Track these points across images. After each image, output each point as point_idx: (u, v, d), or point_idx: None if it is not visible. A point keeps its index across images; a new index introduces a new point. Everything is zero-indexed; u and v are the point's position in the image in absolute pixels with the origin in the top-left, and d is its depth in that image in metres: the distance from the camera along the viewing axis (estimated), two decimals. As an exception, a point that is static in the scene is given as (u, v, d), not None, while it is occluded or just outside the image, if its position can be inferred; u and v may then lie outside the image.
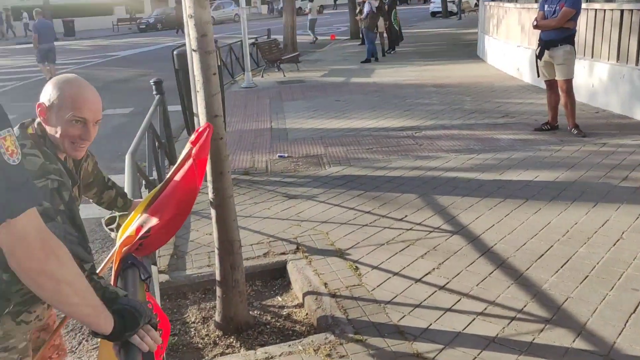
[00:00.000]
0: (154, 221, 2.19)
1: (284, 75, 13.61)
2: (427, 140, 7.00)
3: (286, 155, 6.76)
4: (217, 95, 3.14)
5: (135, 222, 2.22)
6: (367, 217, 4.73)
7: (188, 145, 2.30)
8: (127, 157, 3.66)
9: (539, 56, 6.74)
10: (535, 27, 6.74)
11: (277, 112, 9.50)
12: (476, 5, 34.29)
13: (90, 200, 2.38)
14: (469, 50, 16.53)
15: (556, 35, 6.52)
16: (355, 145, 6.94)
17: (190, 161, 2.25)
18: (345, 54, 18.01)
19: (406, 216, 4.70)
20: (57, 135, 1.78)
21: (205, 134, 2.28)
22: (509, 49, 11.70)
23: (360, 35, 19.71)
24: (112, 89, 13.22)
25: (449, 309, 3.27)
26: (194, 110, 5.62)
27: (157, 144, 5.50)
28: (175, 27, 31.75)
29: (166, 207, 2.21)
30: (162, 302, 3.70)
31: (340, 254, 4.09)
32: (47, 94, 1.81)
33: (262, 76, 13.88)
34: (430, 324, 3.14)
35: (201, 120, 3.17)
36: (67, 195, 1.70)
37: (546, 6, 6.65)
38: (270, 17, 43.77)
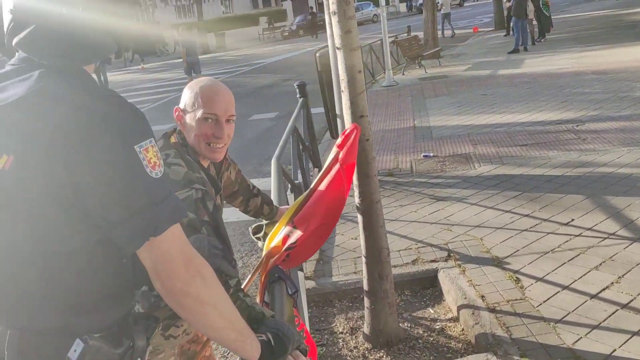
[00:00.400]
0: (300, 231, 2.06)
1: (426, 72, 13.19)
2: (591, 133, 6.26)
3: (431, 154, 6.43)
4: (362, 94, 2.95)
5: (282, 232, 2.10)
6: (525, 221, 4.28)
7: (334, 150, 2.13)
8: (273, 162, 3.62)
9: None
10: None
11: (419, 109, 9.16)
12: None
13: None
14: (635, 32, 14.80)
15: None
16: (506, 142, 6.41)
17: (337, 166, 2.09)
18: (490, 46, 17.06)
19: (573, 220, 4.17)
20: (194, 138, 1.74)
21: (352, 137, 2.10)
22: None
23: (506, 25, 18.58)
24: (258, 95, 13.76)
25: (636, 333, 2.77)
26: (337, 112, 5.53)
27: (301, 147, 5.49)
28: (314, 32, 33.39)
29: (313, 216, 2.07)
30: (309, 309, 3.60)
31: (498, 262, 3.71)
32: (182, 98, 1.80)
33: (403, 74, 13.57)
34: (615, 350, 2.67)
35: (346, 121, 3.00)
36: (211, 205, 1.61)
37: None
38: (408, 15, 43.16)
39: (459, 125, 7.65)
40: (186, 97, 1.78)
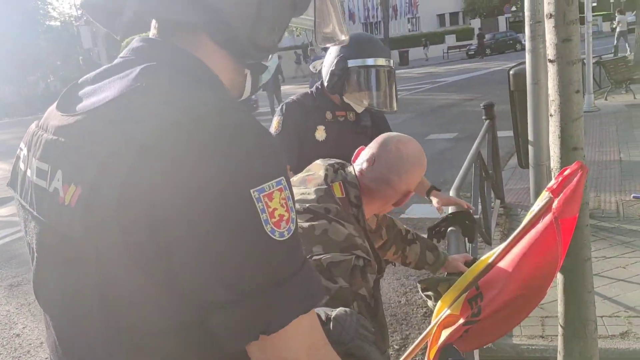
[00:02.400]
0: (488, 300, 1.52)
1: (635, 98, 11.46)
2: None
3: (644, 196, 5.33)
4: (579, 120, 2.29)
5: (461, 297, 1.58)
6: None
7: (546, 195, 1.55)
8: (452, 194, 3.08)
9: None
10: None
11: (627, 141, 7.85)
12: None
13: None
14: None
15: None
16: None
17: (548, 218, 1.50)
18: None
19: None
20: (373, 207, 1.42)
21: (575, 180, 1.50)
22: None
23: None
24: (438, 114, 13.16)
25: None
26: (530, 138, 4.79)
27: (483, 174, 4.84)
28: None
29: (508, 281, 1.51)
30: (481, 375, 2.98)
31: None
32: (383, 156, 1.51)
33: (606, 99, 11.96)
34: None
35: (553, 154, 2.36)
36: (372, 279, 1.16)
37: None
38: (611, 35, 39.04)
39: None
40: (393, 160, 1.47)
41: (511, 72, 5.28)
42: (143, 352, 0.80)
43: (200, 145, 0.72)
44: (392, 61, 2.54)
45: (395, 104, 2.52)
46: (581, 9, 10.26)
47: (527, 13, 4.55)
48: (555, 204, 1.49)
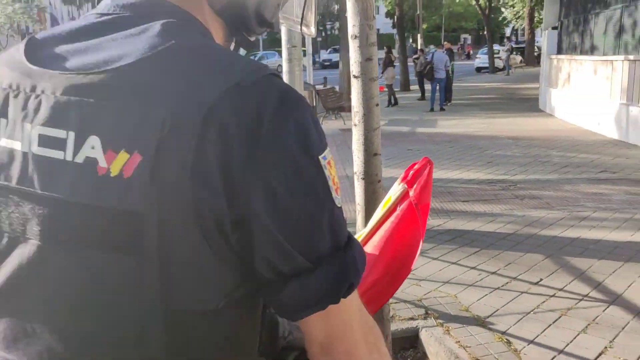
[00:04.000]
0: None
1: (344, 123, 13.26)
2: (527, 193, 6.41)
3: (374, 205, 6.24)
4: (378, 129, 2.65)
5: None
6: (495, 279, 4.12)
7: (400, 186, 1.78)
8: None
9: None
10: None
11: (348, 159, 9.04)
12: (522, 61, 34.08)
13: None
14: (529, 104, 16.00)
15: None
16: (447, 197, 6.39)
17: (406, 204, 1.73)
18: (400, 105, 17.67)
19: (542, 280, 4.07)
20: None
21: (426, 172, 1.77)
22: (585, 102, 11.13)
23: (417, 87, 19.49)
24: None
25: (656, 404, 2.62)
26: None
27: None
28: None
29: (376, 261, 1.69)
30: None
31: (482, 322, 3.48)
32: None
33: (322, 123, 13.55)
34: None
35: (356, 160, 2.67)
36: None
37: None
38: (319, 69, 44.25)
39: (391, 177, 7.57)
40: None
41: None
42: (193, 333, 0.73)
43: (272, 110, 0.69)
44: None
45: None
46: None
47: (283, 37, 4.90)
48: (412, 193, 1.73)
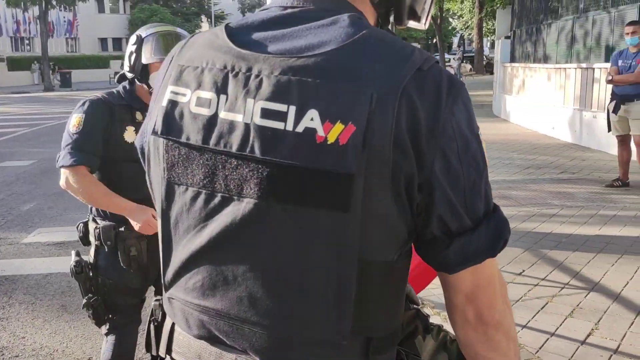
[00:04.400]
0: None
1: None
2: (497, 193, 6.72)
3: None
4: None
5: None
6: (481, 271, 4.35)
7: None
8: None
9: (614, 111, 6.60)
10: (610, 81, 6.65)
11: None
12: (471, 69, 35.24)
13: None
14: (484, 110, 16.59)
15: (632, 90, 6.41)
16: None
17: None
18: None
19: (524, 271, 4.32)
20: None
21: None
22: (540, 108, 11.69)
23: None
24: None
25: (646, 376, 2.86)
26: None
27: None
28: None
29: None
30: None
31: (476, 310, 3.68)
32: None
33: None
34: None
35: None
36: None
37: (620, 61, 6.58)
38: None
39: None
40: None
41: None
42: (374, 282, 0.85)
43: (446, 91, 0.83)
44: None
45: None
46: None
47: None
48: None
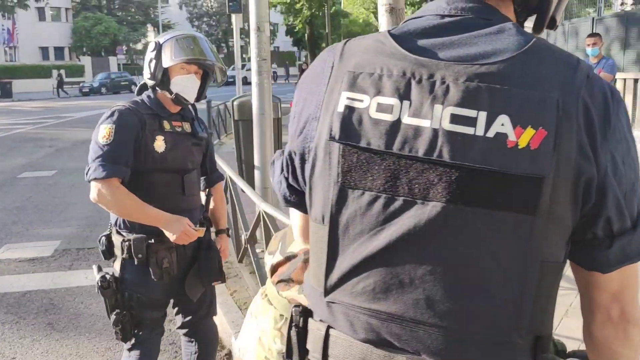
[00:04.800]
0: None
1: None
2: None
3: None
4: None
5: None
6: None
7: None
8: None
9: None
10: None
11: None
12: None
13: None
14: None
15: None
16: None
17: None
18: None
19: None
20: None
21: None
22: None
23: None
24: (83, 149, 12.43)
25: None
26: (256, 163, 5.25)
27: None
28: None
29: None
30: None
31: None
32: None
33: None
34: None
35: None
36: None
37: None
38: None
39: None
40: None
41: (235, 103, 5.66)
42: (545, 283, 0.88)
43: (610, 97, 0.87)
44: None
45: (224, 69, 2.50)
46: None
47: (253, 50, 5.04)
48: None
